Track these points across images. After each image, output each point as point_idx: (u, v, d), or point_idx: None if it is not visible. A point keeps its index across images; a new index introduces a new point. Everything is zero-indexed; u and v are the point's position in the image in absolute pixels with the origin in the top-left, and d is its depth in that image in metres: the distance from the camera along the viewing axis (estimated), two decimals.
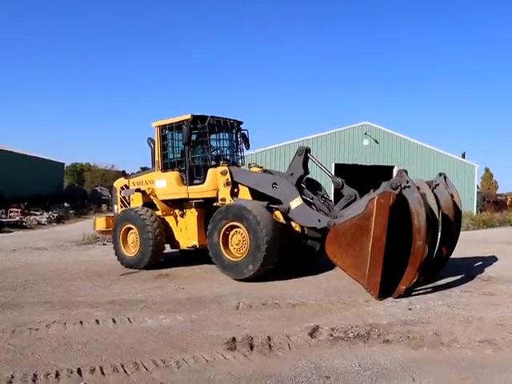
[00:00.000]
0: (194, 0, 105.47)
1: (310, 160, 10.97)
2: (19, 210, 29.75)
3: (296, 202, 10.34)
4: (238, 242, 10.52)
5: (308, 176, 11.28)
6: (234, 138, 12.84)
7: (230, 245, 10.69)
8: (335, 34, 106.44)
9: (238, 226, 10.47)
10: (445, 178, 10.38)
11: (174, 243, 12.53)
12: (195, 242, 11.96)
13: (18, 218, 28.04)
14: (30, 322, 7.20)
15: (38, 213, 31.66)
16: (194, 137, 11.86)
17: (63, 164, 56.44)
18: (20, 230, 25.44)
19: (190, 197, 11.83)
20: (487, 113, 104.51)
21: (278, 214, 10.96)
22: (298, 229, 11.30)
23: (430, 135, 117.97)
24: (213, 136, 12.51)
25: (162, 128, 12.36)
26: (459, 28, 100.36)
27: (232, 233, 10.64)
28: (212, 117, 11.84)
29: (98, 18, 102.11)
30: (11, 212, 29.25)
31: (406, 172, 8.72)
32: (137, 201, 12.77)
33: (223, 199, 11.30)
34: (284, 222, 11.02)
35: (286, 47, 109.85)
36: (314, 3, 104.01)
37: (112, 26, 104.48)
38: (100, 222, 14.01)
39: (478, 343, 6.23)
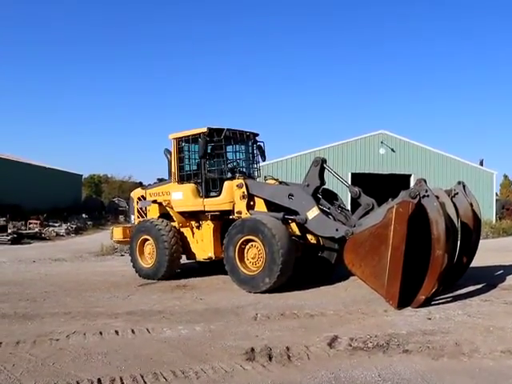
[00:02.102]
0: (204, 12, 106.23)
1: (326, 170, 10.97)
2: (38, 222, 30.18)
3: (313, 212, 10.33)
4: (254, 256, 10.53)
5: (324, 186, 11.26)
6: (250, 150, 12.89)
7: (245, 259, 10.69)
8: (350, 43, 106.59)
9: (253, 240, 10.49)
10: (464, 186, 10.30)
11: (190, 254, 12.59)
12: (211, 254, 12.01)
13: (37, 230, 28.44)
14: (51, 332, 7.27)
15: (56, 224, 32.07)
16: (210, 149, 11.93)
17: (81, 176, 57.18)
18: (39, 242, 25.79)
19: (206, 209, 11.88)
20: (505, 119, 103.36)
21: (293, 226, 10.97)
22: (313, 241, 11.26)
23: (446, 143, 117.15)
24: (229, 148, 12.59)
25: (179, 140, 12.46)
26: (476, 34, 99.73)
27: (248, 246, 10.66)
28: (228, 129, 11.89)
29: (114, 28, 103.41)
30: (30, 223, 29.68)
31: (425, 181, 8.67)
32: (153, 212, 12.85)
33: (239, 212, 11.34)
34: (299, 234, 11.03)
35: (301, 56, 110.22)
36: (327, 13, 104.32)
37: (128, 37, 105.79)
38: (117, 232, 14.14)
39: (500, 353, 6.14)
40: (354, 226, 9.74)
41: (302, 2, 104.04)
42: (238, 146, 12.88)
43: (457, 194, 10.08)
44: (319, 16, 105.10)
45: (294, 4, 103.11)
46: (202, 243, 12.25)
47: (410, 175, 30.93)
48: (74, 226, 32.03)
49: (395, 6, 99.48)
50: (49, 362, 5.96)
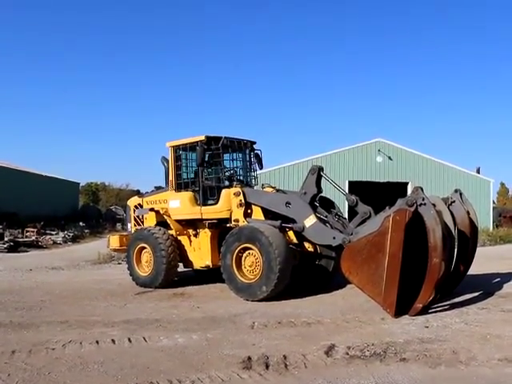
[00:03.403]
0: (203, 20, 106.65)
1: (323, 178, 10.99)
2: (35, 230, 30.03)
3: (310, 221, 10.35)
4: (251, 264, 10.53)
5: (321, 194, 11.28)
6: (248, 159, 12.90)
7: (243, 267, 10.70)
8: (347, 51, 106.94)
9: (250, 248, 10.49)
10: (460, 194, 10.33)
11: (188, 263, 12.55)
12: (208, 262, 11.98)
13: (33, 238, 28.28)
14: (47, 341, 7.24)
15: (53, 232, 31.92)
16: (207, 157, 11.95)
17: (78, 183, 57.03)
18: (36, 250, 25.64)
19: (203, 217, 11.87)
20: (502, 127, 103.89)
21: (290, 234, 10.97)
22: (311, 249, 11.26)
23: (444, 151, 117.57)
24: (226, 156, 12.59)
25: (176, 148, 12.47)
26: (474, 40, 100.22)
27: (245, 255, 10.66)
28: (226, 138, 11.91)
29: (112, 35, 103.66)
30: (27, 232, 29.54)
31: (422, 189, 8.69)
32: (150, 220, 12.82)
33: (237, 220, 11.34)
34: (297, 242, 11.03)
35: (297, 64, 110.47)
36: (322, 21, 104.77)
37: (126, 45, 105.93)
38: (114, 240, 14.11)
39: (497, 361, 6.14)
40: (351, 234, 9.76)
41: (299, 10, 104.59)
42: (235, 154, 12.89)
43: (454, 202, 10.10)
44: (316, 24, 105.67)
45: (291, 10, 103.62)
46: (200, 251, 12.22)
47: (407, 183, 30.98)
48: (71, 234, 31.89)
49: (394, 15, 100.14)
50: (44, 372, 5.93)
